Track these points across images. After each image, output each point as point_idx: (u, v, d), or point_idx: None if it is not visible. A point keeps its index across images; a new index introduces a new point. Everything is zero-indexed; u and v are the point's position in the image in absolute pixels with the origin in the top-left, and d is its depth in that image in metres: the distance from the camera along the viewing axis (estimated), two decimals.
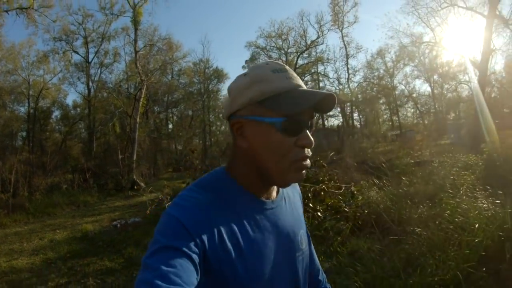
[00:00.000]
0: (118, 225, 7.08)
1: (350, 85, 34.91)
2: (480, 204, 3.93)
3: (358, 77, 39.37)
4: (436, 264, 3.05)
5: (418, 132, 42.93)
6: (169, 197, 6.79)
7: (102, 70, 31.42)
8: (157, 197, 7.48)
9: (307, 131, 0.75)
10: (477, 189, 5.14)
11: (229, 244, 0.71)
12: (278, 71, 0.75)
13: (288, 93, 0.73)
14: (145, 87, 16.84)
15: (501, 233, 3.22)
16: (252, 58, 39.22)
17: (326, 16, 36.30)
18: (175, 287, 0.58)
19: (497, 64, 41.35)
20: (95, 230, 6.97)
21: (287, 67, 0.77)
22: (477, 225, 3.37)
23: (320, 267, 1.06)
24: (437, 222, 3.83)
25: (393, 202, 5.04)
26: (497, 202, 3.89)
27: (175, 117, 38.49)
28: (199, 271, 0.65)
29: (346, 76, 33.62)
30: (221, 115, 47.83)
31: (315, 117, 0.76)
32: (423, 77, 41.84)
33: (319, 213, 4.37)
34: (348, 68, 33.44)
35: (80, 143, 32.72)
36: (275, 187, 0.85)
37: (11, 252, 5.87)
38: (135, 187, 12.76)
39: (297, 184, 1.00)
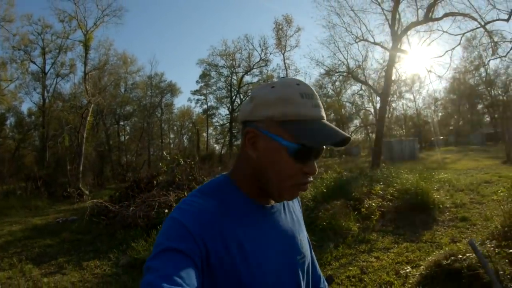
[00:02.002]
0: (60, 221, 9.79)
1: None
2: None
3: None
4: None
5: (363, 148, 47.40)
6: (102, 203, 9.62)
7: (57, 81, 32.30)
8: (97, 202, 10.25)
9: (314, 160, 0.79)
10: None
11: (232, 248, 0.73)
12: (306, 96, 0.76)
13: (310, 123, 0.75)
14: (91, 106, 19.17)
15: None
16: (204, 75, 42.12)
17: (271, 40, 39.69)
18: None
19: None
20: (42, 224, 9.65)
21: (315, 93, 0.79)
22: None
23: (321, 274, 1.08)
24: None
25: None
26: None
27: (128, 129, 40.37)
28: (201, 274, 0.67)
29: None
30: (175, 128, 50.30)
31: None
32: (366, 97, 46.44)
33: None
34: None
35: (33, 151, 33.93)
36: None
37: None
38: (80, 195, 15.27)
39: None
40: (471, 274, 3.37)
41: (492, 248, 3.79)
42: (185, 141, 50.06)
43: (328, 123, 0.78)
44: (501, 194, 7.07)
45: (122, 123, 37.88)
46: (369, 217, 6.61)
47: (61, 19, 27.75)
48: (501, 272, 3.22)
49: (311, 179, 0.80)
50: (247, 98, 0.85)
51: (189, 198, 0.80)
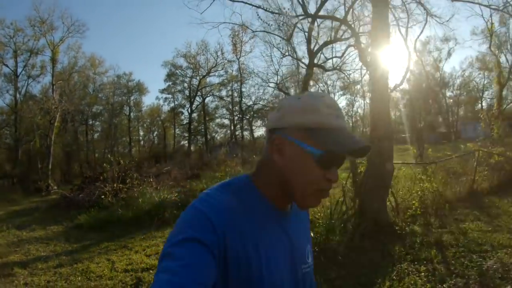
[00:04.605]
0: (33, 207, 13.51)
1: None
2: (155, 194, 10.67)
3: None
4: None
5: None
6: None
7: (29, 82, 33.96)
8: (58, 193, 13.97)
9: (337, 167, 0.82)
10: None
11: (248, 246, 0.76)
12: (330, 107, 0.81)
13: (335, 131, 0.80)
14: (58, 113, 22.43)
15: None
16: (170, 75, 44.14)
17: (227, 46, 42.41)
18: (198, 279, 0.63)
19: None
20: (20, 209, 13.38)
21: (338, 105, 0.83)
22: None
23: (315, 282, 1.07)
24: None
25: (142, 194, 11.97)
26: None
27: (98, 128, 43.04)
28: (217, 267, 0.70)
29: (239, 100, 39.91)
30: (145, 125, 52.81)
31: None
32: None
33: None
34: (241, 92, 40.09)
35: (6, 149, 36.22)
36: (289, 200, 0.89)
37: None
38: (49, 189, 18.85)
39: None
40: None
41: None
42: (155, 138, 52.45)
43: (349, 132, 0.82)
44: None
45: (90, 122, 40.61)
46: None
47: (32, 24, 29.99)
48: None
49: (332, 186, 0.83)
50: (275, 108, 0.88)
51: (212, 191, 0.83)
